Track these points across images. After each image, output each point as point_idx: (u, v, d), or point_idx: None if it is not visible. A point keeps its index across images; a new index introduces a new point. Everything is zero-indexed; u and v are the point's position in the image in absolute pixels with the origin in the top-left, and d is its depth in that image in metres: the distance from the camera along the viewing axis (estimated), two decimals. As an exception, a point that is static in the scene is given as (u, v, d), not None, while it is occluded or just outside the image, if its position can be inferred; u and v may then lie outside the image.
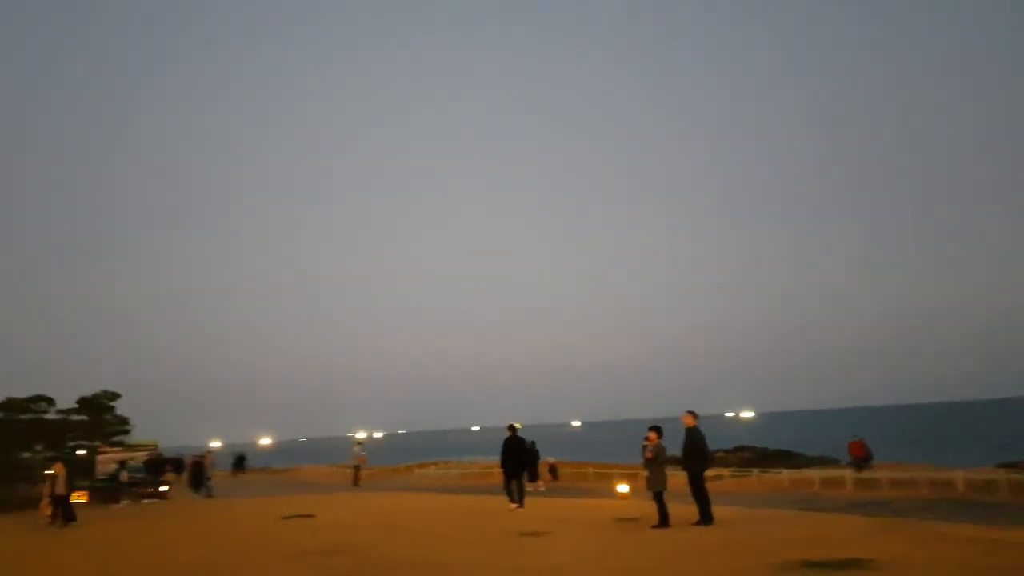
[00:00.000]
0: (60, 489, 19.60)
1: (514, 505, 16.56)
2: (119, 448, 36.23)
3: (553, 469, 33.19)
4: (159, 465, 31.72)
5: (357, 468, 34.88)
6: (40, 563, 12.42)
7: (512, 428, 17.07)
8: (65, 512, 19.43)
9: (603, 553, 10.18)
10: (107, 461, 34.82)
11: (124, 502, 29.34)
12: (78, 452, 35.83)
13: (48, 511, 19.51)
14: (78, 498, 31.45)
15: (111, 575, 10.67)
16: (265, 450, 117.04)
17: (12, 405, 37.21)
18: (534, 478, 27.47)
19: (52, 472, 20.38)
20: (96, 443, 37.21)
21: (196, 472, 29.50)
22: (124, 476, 31.48)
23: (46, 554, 13.59)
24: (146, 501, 29.44)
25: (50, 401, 38.23)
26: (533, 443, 25.46)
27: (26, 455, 37.71)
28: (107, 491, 31.55)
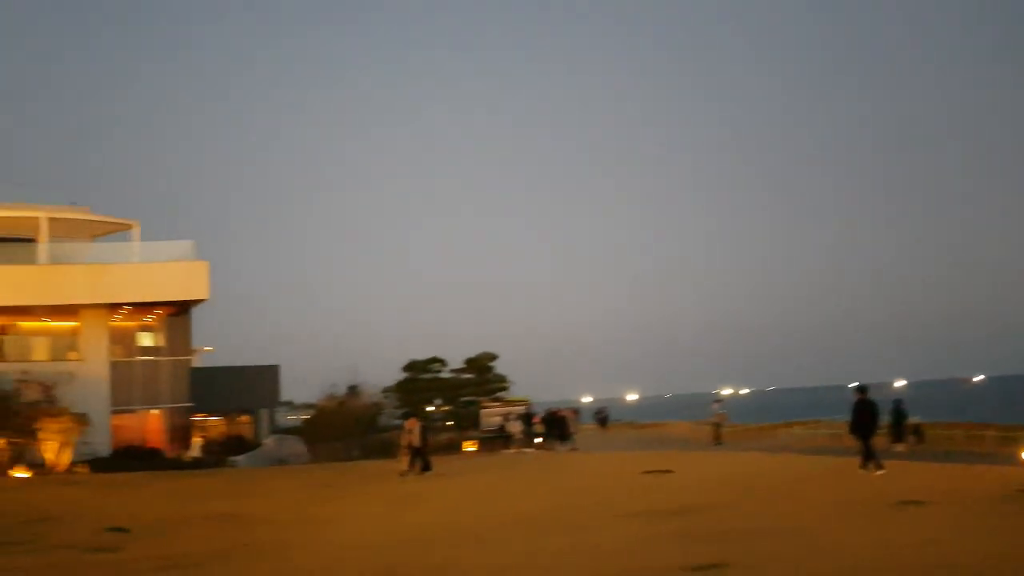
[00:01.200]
0: (416, 441, 21.31)
1: (879, 471, 15.11)
2: (498, 403, 40.45)
3: (918, 430, 29.34)
4: (530, 418, 34.82)
5: (718, 426, 34.54)
6: (413, 507, 14.29)
7: (862, 390, 16.12)
8: (423, 462, 21.18)
9: (996, 530, 8.62)
10: (491, 414, 39.10)
11: (513, 449, 32.81)
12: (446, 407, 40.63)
13: (406, 461, 21.25)
14: (469, 446, 36.07)
15: (458, 522, 11.73)
16: (630, 405, 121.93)
17: (414, 367, 43.66)
18: (900, 438, 25.32)
19: (408, 427, 22.12)
20: (480, 399, 42.02)
21: (559, 426, 31.71)
22: (511, 427, 35.24)
23: (416, 498, 15.62)
24: (526, 450, 32.53)
25: (443, 362, 44.14)
26: (899, 401, 26.16)
27: (429, 409, 43.95)
28: (495, 441, 35.65)
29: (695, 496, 12.93)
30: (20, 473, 23.81)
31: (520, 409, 37.03)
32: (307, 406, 51.48)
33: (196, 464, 30.46)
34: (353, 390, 45.56)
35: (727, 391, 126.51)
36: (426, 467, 21.09)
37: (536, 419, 35.67)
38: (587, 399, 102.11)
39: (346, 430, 37.77)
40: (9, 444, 24.33)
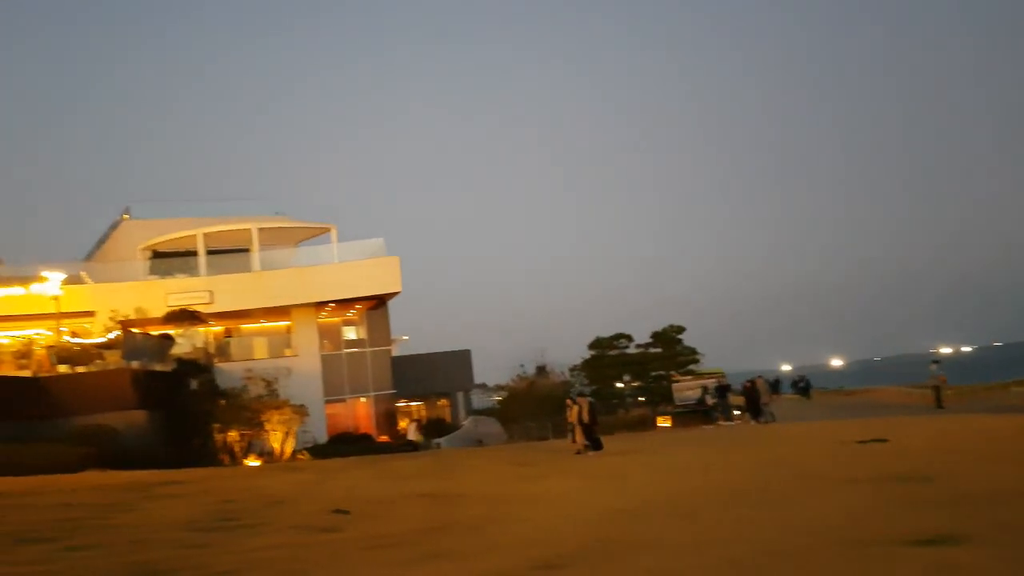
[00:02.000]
0: (585, 418, 20.97)
1: None
2: (691, 377, 39.42)
3: None
4: (725, 391, 33.53)
5: (937, 388, 31.63)
6: (615, 482, 14.10)
7: None
8: (592, 440, 20.79)
9: None
10: (684, 388, 38.22)
11: (713, 424, 31.80)
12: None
13: (579, 439, 20.95)
14: (663, 422, 35.48)
15: (663, 497, 11.38)
16: (836, 371, 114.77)
17: (601, 343, 43.54)
18: None
19: (576, 405, 21.72)
20: (670, 372, 41.17)
21: (750, 397, 30.15)
22: (709, 400, 34.19)
23: (620, 472, 15.42)
24: (724, 423, 31.46)
25: (629, 338, 43.72)
26: None
27: (618, 385, 43.73)
28: (690, 415, 34.73)
29: (916, 463, 11.81)
30: (252, 462, 26.37)
31: (713, 382, 35.89)
32: (500, 388, 53.08)
33: (411, 446, 32.22)
34: (542, 370, 46.27)
35: (946, 350, 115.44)
36: (597, 445, 20.75)
37: (731, 391, 34.36)
38: (786, 367, 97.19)
39: (537, 409, 38.50)
40: (241, 436, 27.00)
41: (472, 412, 47.27)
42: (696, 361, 42.32)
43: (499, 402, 51.68)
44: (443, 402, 45.99)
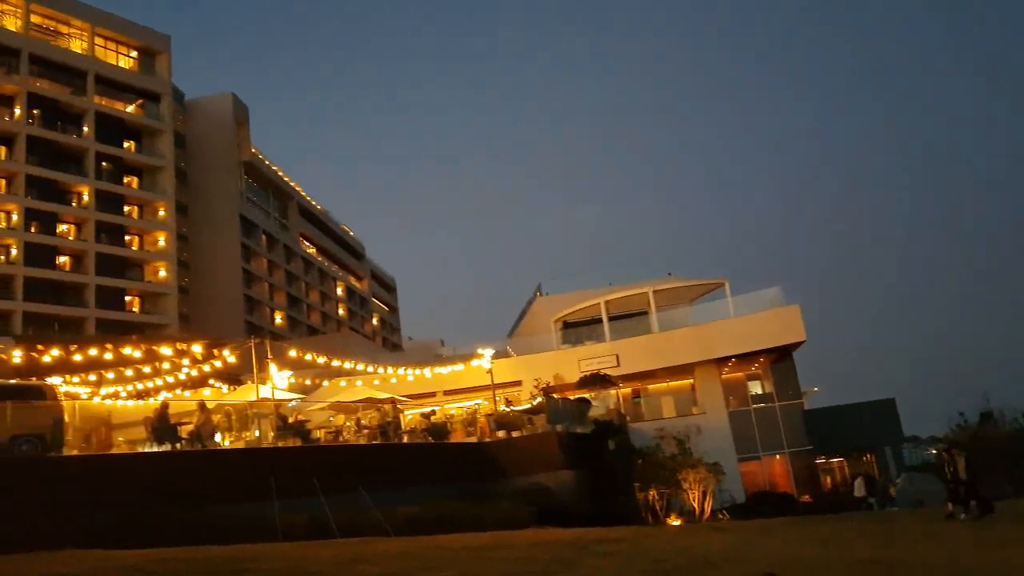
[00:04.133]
0: (962, 475, 17.48)
1: None
2: None
3: None
4: None
5: None
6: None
7: None
8: (979, 501, 17.07)
9: None
10: None
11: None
12: None
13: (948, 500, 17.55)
14: None
15: None
16: None
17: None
18: None
19: (951, 454, 18.20)
20: None
21: None
22: None
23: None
24: None
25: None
26: None
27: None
28: None
29: None
30: (674, 521, 26.50)
31: None
32: (935, 440, 46.53)
33: (865, 504, 30.00)
34: (987, 418, 39.67)
35: None
36: (986, 508, 17.21)
37: None
38: None
39: (987, 464, 32.79)
40: (660, 494, 27.40)
41: (905, 468, 42.03)
42: None
43: (937, 456, 45.18)
44: (868, 458, 41.66)
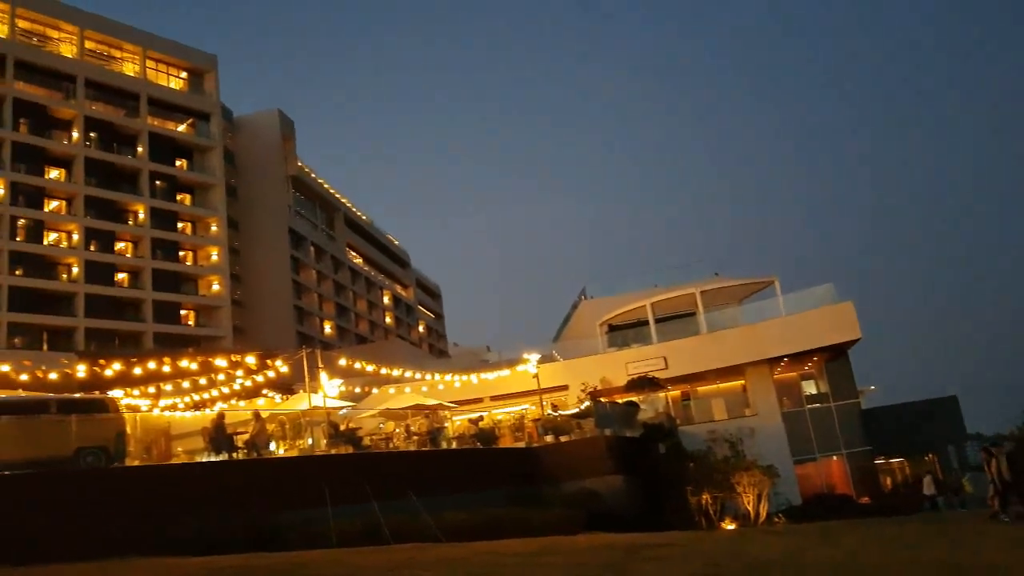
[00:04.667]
0: (1005, 473, 16.71)
1: None
2: None
3: None
4: None
5: None
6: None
7: None
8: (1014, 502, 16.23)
9: None
10: None
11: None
12: None
13: (993, 502, 16.74)
14: None
15: None
16: None
17: None
18: None
19: (991, 452, 17.37)
20: None
21: None
22: None
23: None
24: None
25: None
26: None
27: None
28: None
29: None
30: (728, 525, 26.10)
31: None
32: (1002, 438, 44.95)
33: (930, 504, 29.21)
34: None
35: None
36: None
37: None
38: None
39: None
40: (713, 498, 27.02)
41: (970, 468, 40.70)
42: None
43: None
44: (930, 457, 40.50)
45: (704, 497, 26.88)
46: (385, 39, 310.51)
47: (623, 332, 40.71)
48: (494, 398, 38.40)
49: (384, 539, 17.12)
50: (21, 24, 63.95)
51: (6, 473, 16.19)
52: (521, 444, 29.41)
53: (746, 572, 11.93)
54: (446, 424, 29.55)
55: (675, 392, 37.55)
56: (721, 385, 38.68)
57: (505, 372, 36.28)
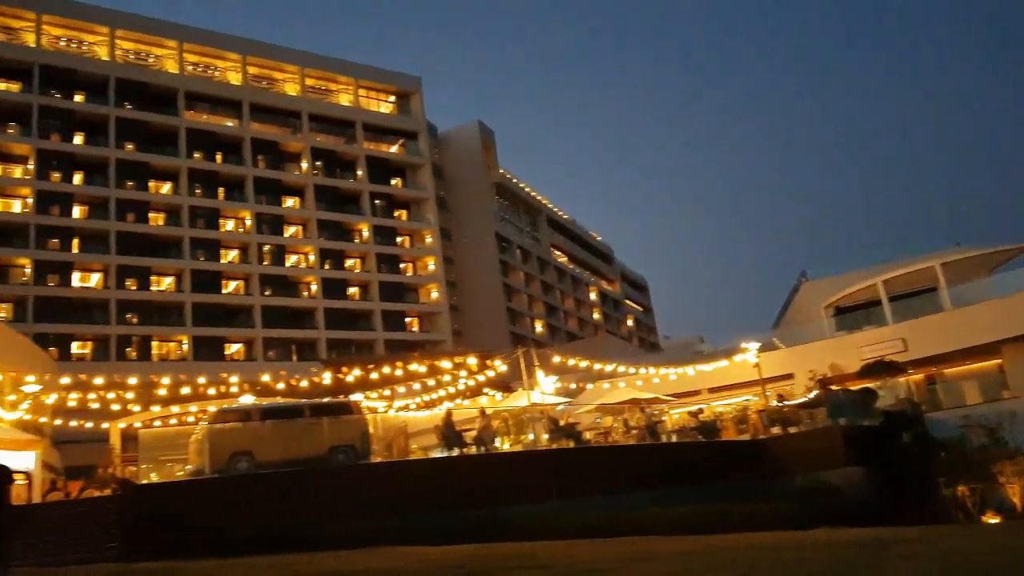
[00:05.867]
0: None
1: None
2: None
3: None
4: None
5: None
6: None
7: None
8: None
9: None
10: None
11: None
12: None
13: None
14: None
15: None
16: None
17: None
18: None
19: None
20: None
21: None
22: None
23: None
24: None
25: None
26: None
27: None
28: None
29: None
30: (991, 519, 23.38)
31: None
32: None
33: None
34: None
35: None
36: None
37: None
38: None
39: None
40: (971, 490, 24.32)
41: None
42: None
43: None
44: None
45: (960, 489, 24.25)
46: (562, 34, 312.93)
47: (852, 314, 37.80)
48: (712, 390, 37.25)
49: (608, 532, 17.20)
50: (251, 70, 71.88)
51: (271, 472, 18.22)
52: (746, 436, 28.30)
53: (1020, 568, 10.59)
54: (664, 418, 29.12)
55: (917, 376, 34.22)
56: (972, 366, 34.69)
57: (723, 363, 35.04)
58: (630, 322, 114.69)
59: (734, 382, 35.74)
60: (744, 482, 23.58)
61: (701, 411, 30.40)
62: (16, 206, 58.19)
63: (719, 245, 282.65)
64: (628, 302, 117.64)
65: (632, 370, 34.42)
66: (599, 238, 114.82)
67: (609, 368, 32.33)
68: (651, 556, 12.71)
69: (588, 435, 27.21)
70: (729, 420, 30.25)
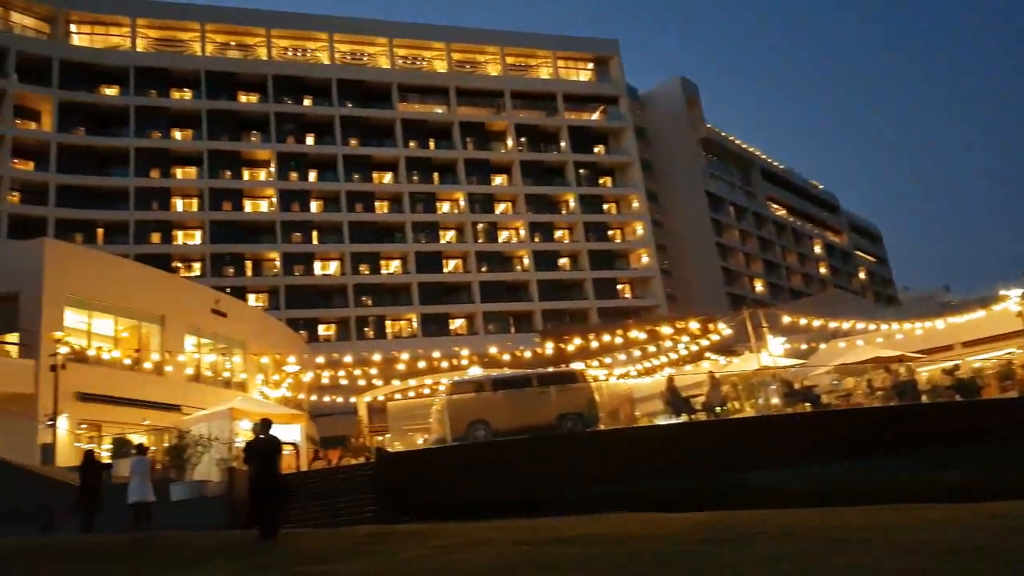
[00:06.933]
0: None
1: None
2: None
3: None
4: None
5: None
6: None
7: None
8: None
9: None
10: None
11: None
12: None
13: None
14: None
15: None
16: None
17: None
18: None
19: None
20: None
21: None
22: None
23: None
24: None
25: None
26: None
27: None
28: None
29: None
30: None
31: None
32: None
33: None
34: None
35: None
36: None
37: None
38: None
39: None
40: None
41: None
42: None
43: None
44: None
45: None
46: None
47: None
48: (966, 344, 33.47)
49: (849, 499, 15.99)
50: (455, 56, 74.61)
51: (505, 439, 18.93)
52: (1012, 394, 25.15)
53: None
54: (914, 377, 26.59)
55: None
56: None
57: (980, 313, 31.31)
58: (862, 275, 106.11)
59: (993, 334, 31.87)
60: (1013, 443, 20.95)
61: (957, 367, 27.42)
62: (263, 206, 65.19)
63: (961, 184, 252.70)
64: (859, 253, 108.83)
65: (872, 327, 31.77)
66: (821, 187, 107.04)
67: (845, 326, 30.07)
68: (903, 525, 11.62)
69: (826, 398, 25.54)
70: (991, 376, 27.02)
